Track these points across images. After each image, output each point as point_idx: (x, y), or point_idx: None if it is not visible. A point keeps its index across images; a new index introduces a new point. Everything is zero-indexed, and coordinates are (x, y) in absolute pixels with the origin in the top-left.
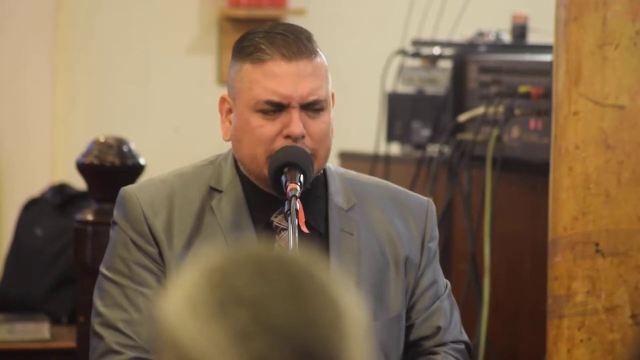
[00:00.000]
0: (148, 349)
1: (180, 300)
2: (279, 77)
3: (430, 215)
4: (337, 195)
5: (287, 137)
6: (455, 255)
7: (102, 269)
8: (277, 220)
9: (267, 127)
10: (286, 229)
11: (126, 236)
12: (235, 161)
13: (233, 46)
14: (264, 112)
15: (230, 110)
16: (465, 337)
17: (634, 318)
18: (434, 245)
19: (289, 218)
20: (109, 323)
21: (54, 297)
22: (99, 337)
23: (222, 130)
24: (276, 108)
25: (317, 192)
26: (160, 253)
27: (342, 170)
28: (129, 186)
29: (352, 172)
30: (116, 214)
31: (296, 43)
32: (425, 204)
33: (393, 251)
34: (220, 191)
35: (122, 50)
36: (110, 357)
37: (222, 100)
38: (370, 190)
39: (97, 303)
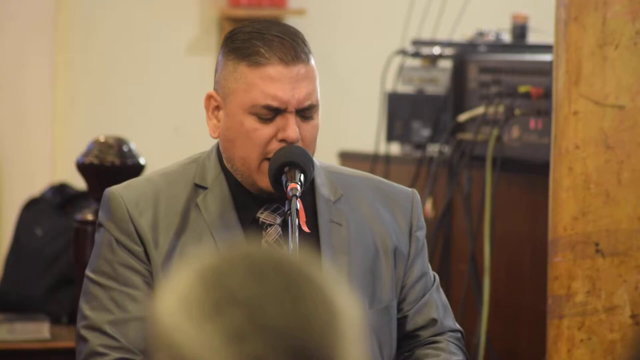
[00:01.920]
0: (133, 349)
1: (174, 301)
2: (277, 82)
3: (416, 205)
4: (324, 188)
5: (282, 140)
6: (455, 255)
7: (88, 272)
8: (263, 216)
9: (262, 131)
10: (272, 225)
11: (111, 237)
12: (219, 158)
13: (223, 42)
14: (259, 115)
15: (217, 108)
16: (459, 326)
17: (634, 318)
18: (421, 235)
19: (289, 218)
20: (94, 326)
21: (54, 297)
22: (84, 340)
23: (210, 127)
24: (273, 113)
25: None
26: (146, 252)
27: (326, 164)
28: (114, 187)
29: (335, 165)
30: (101, 215)
31: (293, 47)
32: (410, 194)
33: (382, 241)
34: (205, 188)
35: (122, 50)
36: (94, 359)
37: (209, 97)
38: (355, 182)
39: (83, 306)
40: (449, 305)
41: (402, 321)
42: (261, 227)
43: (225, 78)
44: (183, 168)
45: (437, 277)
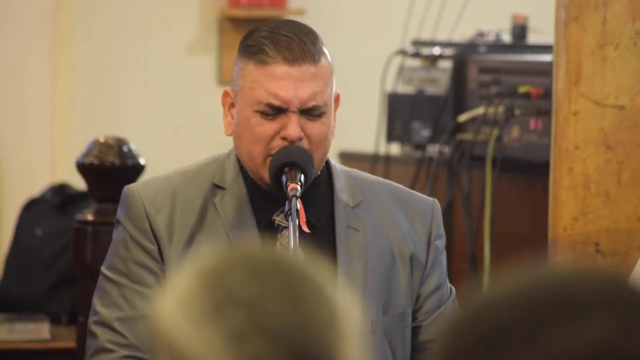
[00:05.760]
0: (142, 347)
1: (174, 301)
2: (280, 81)
3: (436, 214)
4: (343, 193)
5: (284, 138)
6: (455, 255)
7: (102, 268)
8: (279, 218)
9: (266, 127)
10: (288, 227)
11: (126, 234)
12: (238, 159)
13: (240, 41)
14: (262, 112)
15: (232, 105)
16: None
17: None
18: (440, 243)
19: (290, 218)
20: (104, 322)
21: (54, 297)
22: (94, 335)
23: (224, 124)
24: (275, 111)
25: (321, 190)
26: (160, 250)
27: (347, 168)
28: (133, 184)
29: (356, 171)
30: (119, 212)
31: (300, 47)
32: (431, 203)
33: (399, 248)
34: (223, 188)
35: (122, 50)
36: (102, 356)
37: (225, 94)
38: (375, 188)
39: (96, 302)
40: None
41: (415, 330)
42: (277, 229)
43: (237, 75)
44: (202, 168)
45: (454, 290)
